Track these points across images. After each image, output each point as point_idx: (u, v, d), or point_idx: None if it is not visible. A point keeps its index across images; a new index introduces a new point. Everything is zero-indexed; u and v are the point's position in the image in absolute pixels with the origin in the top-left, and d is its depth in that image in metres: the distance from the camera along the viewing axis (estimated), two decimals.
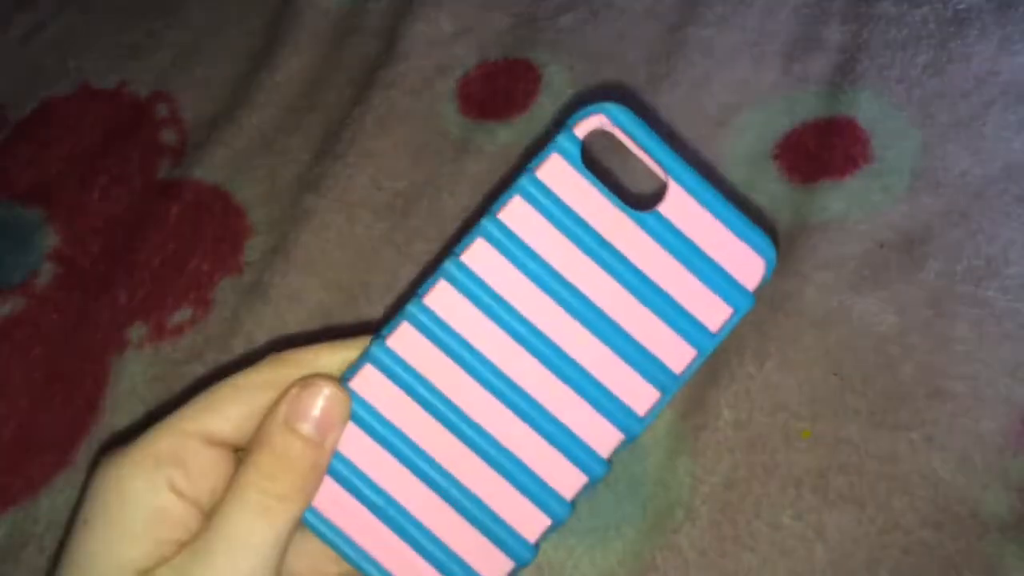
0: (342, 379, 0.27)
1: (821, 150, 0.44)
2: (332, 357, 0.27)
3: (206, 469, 0.26)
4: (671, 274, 0.26)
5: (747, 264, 0.26)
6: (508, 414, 0.26)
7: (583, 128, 0.26)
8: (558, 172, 0.26)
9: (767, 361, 0.38)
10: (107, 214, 0.49)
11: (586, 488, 0.27)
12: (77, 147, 0.52)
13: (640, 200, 0.27)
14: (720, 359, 0.39)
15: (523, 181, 0.26)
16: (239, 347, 0.43)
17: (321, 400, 0.26)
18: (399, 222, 0.46)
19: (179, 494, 0.25)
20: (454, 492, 0.27)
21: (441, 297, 0.26)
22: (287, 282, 0.44)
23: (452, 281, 0.26)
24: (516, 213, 0.26)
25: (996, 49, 0.45)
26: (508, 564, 0.27)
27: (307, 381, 0.26)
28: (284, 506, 0.25)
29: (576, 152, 0.26)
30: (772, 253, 0.26)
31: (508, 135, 0.48)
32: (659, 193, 0.26)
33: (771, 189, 0.44)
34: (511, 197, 0.26)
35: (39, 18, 0.59)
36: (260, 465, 0.25)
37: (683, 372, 0.26)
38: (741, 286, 0.26)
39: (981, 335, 0.38)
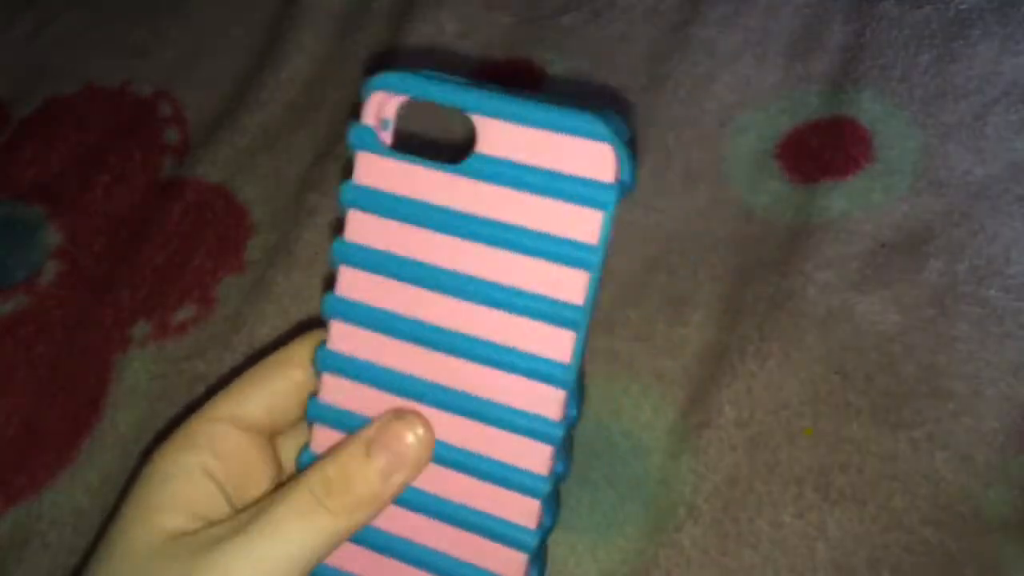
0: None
1: (823, 150, 0.44)
2: None
3: (235, 452, 0.27)
4: (522, 207, 0.23)
5: (593, 157, 0.23)
6: (447, 421, 0.25)
7: (370, 114, 0.25)
8: (370, 167, 0.25)
9: (769, 359, 0.39)
10: (110, 212, 0.49)
11: (557, 455, 0.25)
12: (80, 145, 0.52)
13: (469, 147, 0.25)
14: (722, 357, 0.39)
15: (344, 193, 0.25)
16: (242, 345, 0.43)
17: (409, 436, 0.25)
18: None
19: (209, 475, 0.26)
20: (437, 505, 0.26)
21: (340, 333, 0.26)
22: (290, 280, 0.45)
23: (337, 317, 0.26)
24: (356, 225, 0.25)
25: (998, 49, 0.45)
26: (521, 556, 0.26)
27: (402, 413, 0.26)
28: (329, 518, 0.25)
29: (374, 141, 0.25)
30: (609, 132, 0.22)
31: None
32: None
33: (773, 188, 0.44)
34: (344, 214, 0.25)
35: (43, 17, 0.59)
36: (324, 472, 0.25)
37: (585, 300, 0.24)
38: (598, 182, 0.23)
39: (983, 334, 0.38)
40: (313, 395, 0.27)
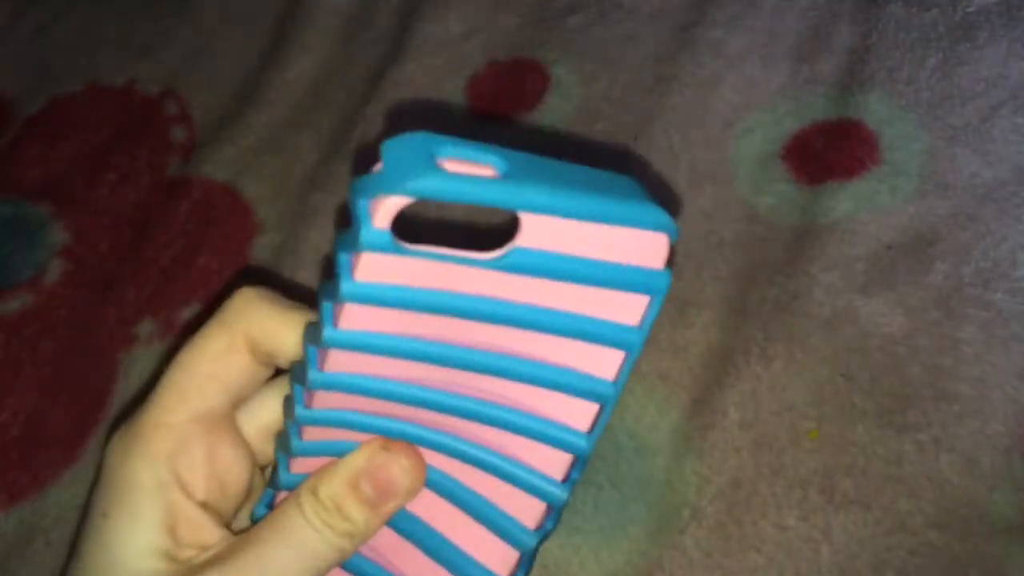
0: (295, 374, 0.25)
1: (829, 151, 0.44)
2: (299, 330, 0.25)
3: (214, 458, 0.25)
4: (565, 296, 0.22)
5: (644, 245, 0.21)
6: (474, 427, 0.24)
7: (382, 218, 0.20)
8: (377, 267, 0.20)
9: (774, 361, 0.38)
10: (116, 211, 0.49)
11: (575, 468, 0.25)
12: (86, 144, 0.52)
13: (505, 229, 0.22)
14: (726, 359, 0.39)
15: (344, 289, 0.20)
16: None
17: (396, 469, 0.25)
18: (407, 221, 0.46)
19: (190, 494, 0.25)
20: (450, 486, 0.25)
21: (325, 402, 0.24)
22: (295, 279, 0.45)
23: (325, 389, 0.23)
24: (353, 319, 0.21)
25: (1005, 52, 0.45)
26: (513, 554, 0.26)
27: (388, 444, 0.25)
28: (327, 548, 0.25)
29: (386, 242, 0.20)
30: (666, 220, 0.21)
31: (516, 135, 0.48)
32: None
33: (779, 190, 0.44)
34: (341, 307, 0.21)
35: (48, 15, 0.59)
36: (318, 501, 0.25)
37: (617, 377, 0.23)
38: (648, 270, 0.21)
39: (989, 337, 0.38)
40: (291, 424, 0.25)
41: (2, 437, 0.43)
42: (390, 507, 0.25)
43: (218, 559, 0.24)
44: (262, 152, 0.50)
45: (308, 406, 0.24)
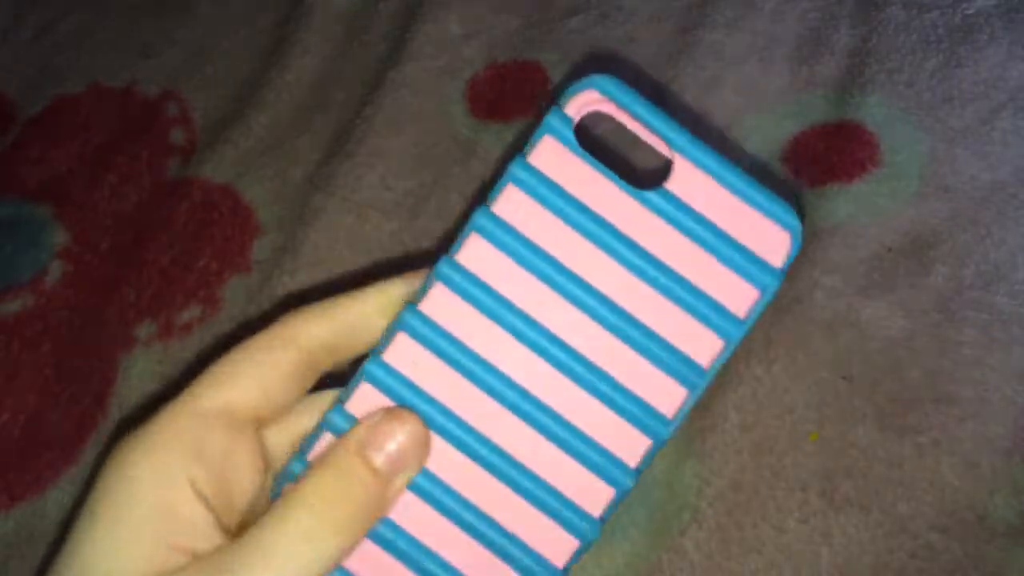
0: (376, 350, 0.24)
1: (829, 154, 0.44)
2: (350, 311, 0.25)
3: (223, 454, 0.23)
4: (686, 256, 0.23)
5: (770, 239, 0.23)
6: (561, 382, 0.24)
7: (574, 106, 0.23)
8: (551, 155, 0.23)
9: (775, 364, 0.38)
10: (116, 212, 0.49)
11: (650, 453, 0.24)
12: (87, 145, 0.52)
13: (650, 179, 0.24)
14: (727, 361, 0.39)
15: (515, 168, 0.23)
16: None
17: (402, 435, 0.23)
18: (408, 222, 0.46)
19: (196, 490, 0.22)
20: (506, 467, 0.24)
21: (438, 301, 0.24)
22: (296, 281, 0.45)
23: (448, 283, 0.24)
24: (511, 203, 0.24)
25: (1005, 54, 0.45)
26: (573, 543, 0.24)
27: (392, 411, 0.23)
28: (335, 538, 0.22)
29: (569, 132, 0.24)
30: (797, 224, 0.23)
31: (517, 136, 0.48)
32: (667, 169, 0.23)
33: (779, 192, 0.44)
34: (504, 186, 0.24)
35: (50, 17, 0.59)
36: (319, 486, 0.22)
37: (710, 366, 0.24)
38: (766, 263, 0.23)
39: (989, 340, 0.38)
40: (377, 354, 0.24)
41: (2, 438, 0.43)
42: (402, 480, 0.23)
43: (211, 565, 0.22)
44: (262, 153, 0.50)
45: (383, 353, 0.24)
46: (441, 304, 0.24)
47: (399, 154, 0.48)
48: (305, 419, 0.25)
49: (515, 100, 0.49)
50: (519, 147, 0.24)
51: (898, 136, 0.44)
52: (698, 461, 0.37)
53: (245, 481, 0.24)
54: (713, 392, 0.39)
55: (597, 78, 0.23)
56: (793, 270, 0.41)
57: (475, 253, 0.24)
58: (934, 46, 0.46)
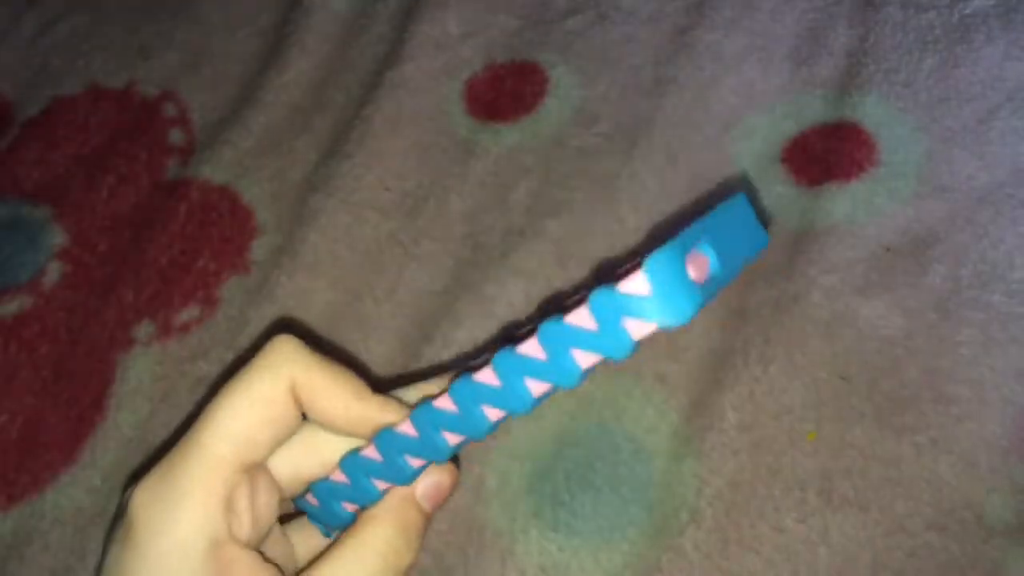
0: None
1: (827, 154, 0.44)
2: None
3: (253, 500, 0.25)
4: None
5: None
6: None
7: (637, 333, 0.22)
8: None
9: (772, 364, 0.38)
10: (114, 213, 0.49)
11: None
12: (85, 146, 0.52)
13: None
14: (725, 361, 0.39)
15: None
16: (246, 346, 0.43)
17: (448, 482, 0.27)
18: (406, 222, 0.46)
19: (235, 539, 0.25)
20: None
21: None
22: (294, 282, 0.45)
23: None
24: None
25: (1002, 54, 0.45)
26: None
27: (449, 468, 0.27)
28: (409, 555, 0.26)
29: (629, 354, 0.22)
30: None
31: (515, 137, 0.48)
32: None
33: (778, 192, 0.44)
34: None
35: (48, 17, 0.59)
36: (389, 537, 0.26)
37: None
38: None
39: (987, 339, 0.38)
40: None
41: (0, 439, 0.43)
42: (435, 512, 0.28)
43: None
44: (261, 154, 0.50)
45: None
46: None
47: (398, 155, 0.48)
48: (302, 447, 0.27)
49: (513, 100, 0.49)
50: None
51: (896, 136, 0.44)
52: (696, 460, 0.37)
53: (268, 513, 0.26)
54: (711, 392, 0.39)
55: (650, 306, 0.22)
56: (791, 269, 0.41)
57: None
58: (931, 46, 0.46)
